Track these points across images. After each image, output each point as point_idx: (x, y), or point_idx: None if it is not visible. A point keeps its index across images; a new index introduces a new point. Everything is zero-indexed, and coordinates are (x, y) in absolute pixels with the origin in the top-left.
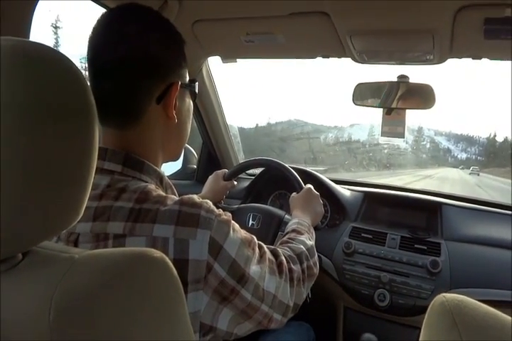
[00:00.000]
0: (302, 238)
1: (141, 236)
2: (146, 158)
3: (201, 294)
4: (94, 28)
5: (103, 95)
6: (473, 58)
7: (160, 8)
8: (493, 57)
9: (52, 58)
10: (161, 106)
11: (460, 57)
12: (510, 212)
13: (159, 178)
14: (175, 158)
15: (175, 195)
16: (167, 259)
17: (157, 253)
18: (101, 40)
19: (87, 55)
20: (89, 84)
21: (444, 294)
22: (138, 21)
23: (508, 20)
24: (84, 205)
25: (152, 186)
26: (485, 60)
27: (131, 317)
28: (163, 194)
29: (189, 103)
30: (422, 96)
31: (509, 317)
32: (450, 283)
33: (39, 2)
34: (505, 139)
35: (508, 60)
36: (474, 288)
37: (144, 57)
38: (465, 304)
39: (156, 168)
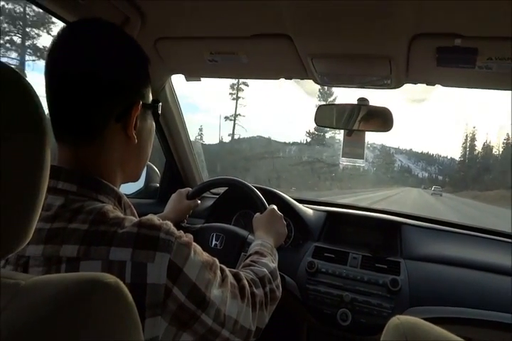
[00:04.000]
0: (265, 260)
1: (96, 260)
2: (103, 178)
3: (159, 319)
4: (54, 42)
5: (60, 111)
6: (427, 84)
7: (122, 24)
8: (445, 83)
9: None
10: (121, 125)
11: (415, 83)
12: (466, 232)
13: (117, 198)
14: (134, 179)
15: (134, 216)
16: (122, 284)
17: (111, 278)
18: (60, 54)
19: (45, 69)
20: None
21: (399, 316)
22: (99, 38)
23: (458, 49)
24: (34, 227)
25: (109, 207)
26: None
27: None
28: (121, 215)
29: (151, 124)
30: (381, 119)
31: (460, 339)
32: (409, 301)
33: None
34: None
35: (458, 86)
36: (432, 306)
37: (104, 75)
38: (418, 327)
39: (113, 187)
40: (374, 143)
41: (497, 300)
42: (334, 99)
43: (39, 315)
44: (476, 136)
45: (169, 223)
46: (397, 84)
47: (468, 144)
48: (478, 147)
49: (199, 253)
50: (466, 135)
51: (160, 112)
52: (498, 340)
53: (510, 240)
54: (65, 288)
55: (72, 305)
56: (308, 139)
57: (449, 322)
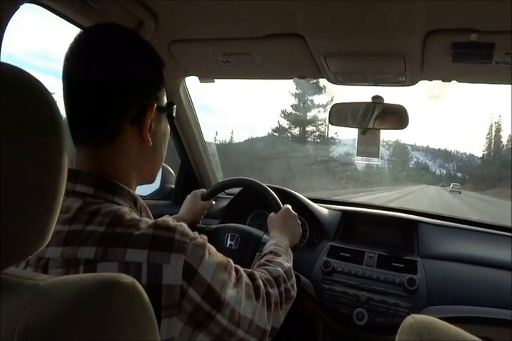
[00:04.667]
0: (279, 260)
1: (113, 262)
2: (118, 180)
3: (175, 320)
4: (70, 47)
5: (76, 114)
6: (443, 80)
7: (136, 28)
8: (461, 79)
9: (15, 75)
10: (136, 127)
11: (431, 80)
12: (484, 229)
13: (133, 200)
14: (149, 181)
15: (150, 218)
16: (138, 285)
17: (127, 278)
18: (76, 59)
19: (63, 73)
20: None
21: (414, 315)
22: (114, 42)
23: (474, 44)
24: (52, 229)
25: (125, 209)
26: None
27: None
28: (137, 217)
29: (165, 126)
30: (396, 116)
31: (477, 339)
32: (427, 301)
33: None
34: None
35: (475, 82)
36: (450, 305)
37: (119, 78)
38: (433, 326)
39: (129, 189)
40: (390, 140)
41: None
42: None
43: (57, 316)
44: (502, 126)
45: (184, 224)
46: (412, 82)
47: (493, 135)
48: (505, 138)
49: (213, 254)
50: (491, 124)
51: (174, 115)
52: None
53: None
54: (82, 289)
55: (90, 305)
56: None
57: (468, 322)
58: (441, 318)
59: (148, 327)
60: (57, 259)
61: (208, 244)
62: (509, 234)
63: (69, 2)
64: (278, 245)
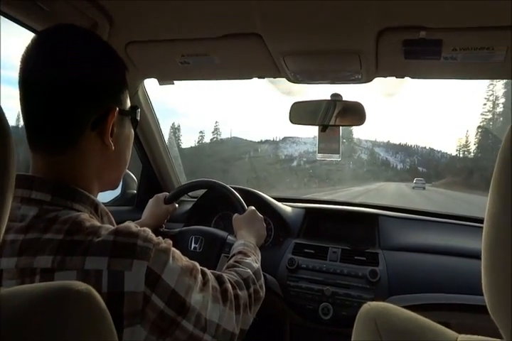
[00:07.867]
0: (249, 260)
1: (71, 270)
2: (78, 186)
3: (139, 328)
4: (26, 50)
5: (34, 120)
6: (397, 77)
7: (90, 28)
8: (414, 76)
9: None
10: (97, 132)
11: (385, 76)
12: (442, 220)
13: (93, 206)
14: (112, 187)
15: (112, 224)
16: (94, 291)
17: (82, 285)
18: (33, 62)
19: (19, 77)
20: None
21: (370, 302)
22: (72, 43)
23: (423, 41)
24: (0, 238)
25: (85, 215)
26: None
27: None
28: (98, 224)
29: (129, 130)
30: (355, 113)
31: (430, 321)
32: (389, 291)
33: None
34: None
35: (427, 78)
36: (411, 294)
37: (78, 80)
38: (388, 311)
39: (89, 195)
40: (350, 137)
41: (472, 283)
42: None
43: (8, 327)
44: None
45: (147, 230)
46: (367, 79)
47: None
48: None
49: (178, 258)
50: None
51: (138, 119)
52: (473, 322)
53: (482, 225)
54: (34, 298)
55: (42, 314)
56: None
57: (428, 309)
58: (403, 307)
59: (107, 334)
60: (11, 270)
61: (173, 249)
62: (464, 222)
63: (16, 3)
64: (246, 245)
